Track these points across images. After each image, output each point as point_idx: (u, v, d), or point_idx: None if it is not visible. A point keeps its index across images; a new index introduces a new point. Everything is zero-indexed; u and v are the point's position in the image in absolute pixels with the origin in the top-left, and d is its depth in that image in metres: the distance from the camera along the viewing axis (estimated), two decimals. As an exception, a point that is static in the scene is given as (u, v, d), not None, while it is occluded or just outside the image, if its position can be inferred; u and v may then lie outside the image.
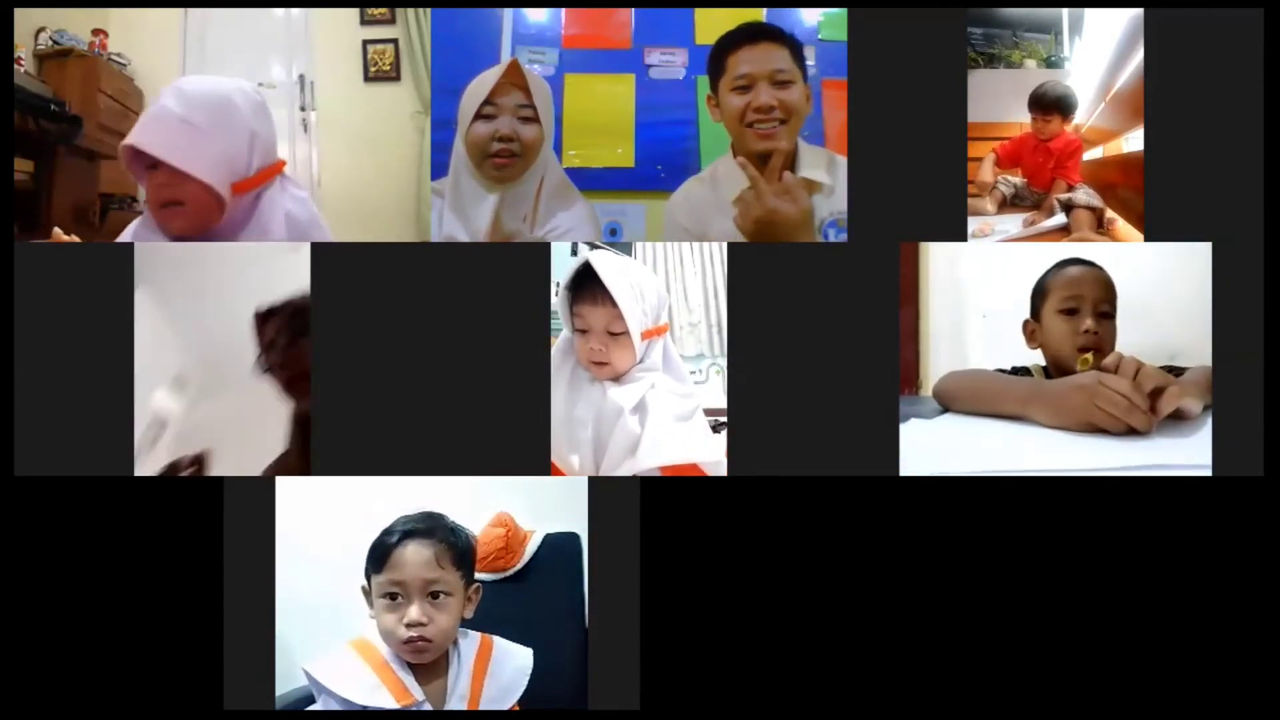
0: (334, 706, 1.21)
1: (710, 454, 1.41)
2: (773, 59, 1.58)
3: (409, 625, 1.20)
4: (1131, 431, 1.36)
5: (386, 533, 1.26)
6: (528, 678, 1.28)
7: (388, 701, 1.19)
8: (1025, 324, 1.68)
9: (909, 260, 1.60)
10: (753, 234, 1.56)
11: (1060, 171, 1.70)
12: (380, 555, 1.24)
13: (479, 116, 1.63)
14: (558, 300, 1.45)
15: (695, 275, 2.81)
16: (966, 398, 1.58)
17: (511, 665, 1.28)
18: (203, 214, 1.42)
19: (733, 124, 1.60)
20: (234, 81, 1.48)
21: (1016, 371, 1.65)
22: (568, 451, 1.43)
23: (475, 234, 1.62)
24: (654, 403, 1.40)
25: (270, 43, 2.61)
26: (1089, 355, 1.56)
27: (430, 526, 1.26)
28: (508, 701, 1.26)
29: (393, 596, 1.22)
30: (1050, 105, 1.69)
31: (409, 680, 1.22)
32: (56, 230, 1.52)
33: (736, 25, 1.64)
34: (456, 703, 1.23)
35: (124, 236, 1.50)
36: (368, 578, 1.26)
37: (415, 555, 1.22)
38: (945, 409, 1.61)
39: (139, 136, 1.39)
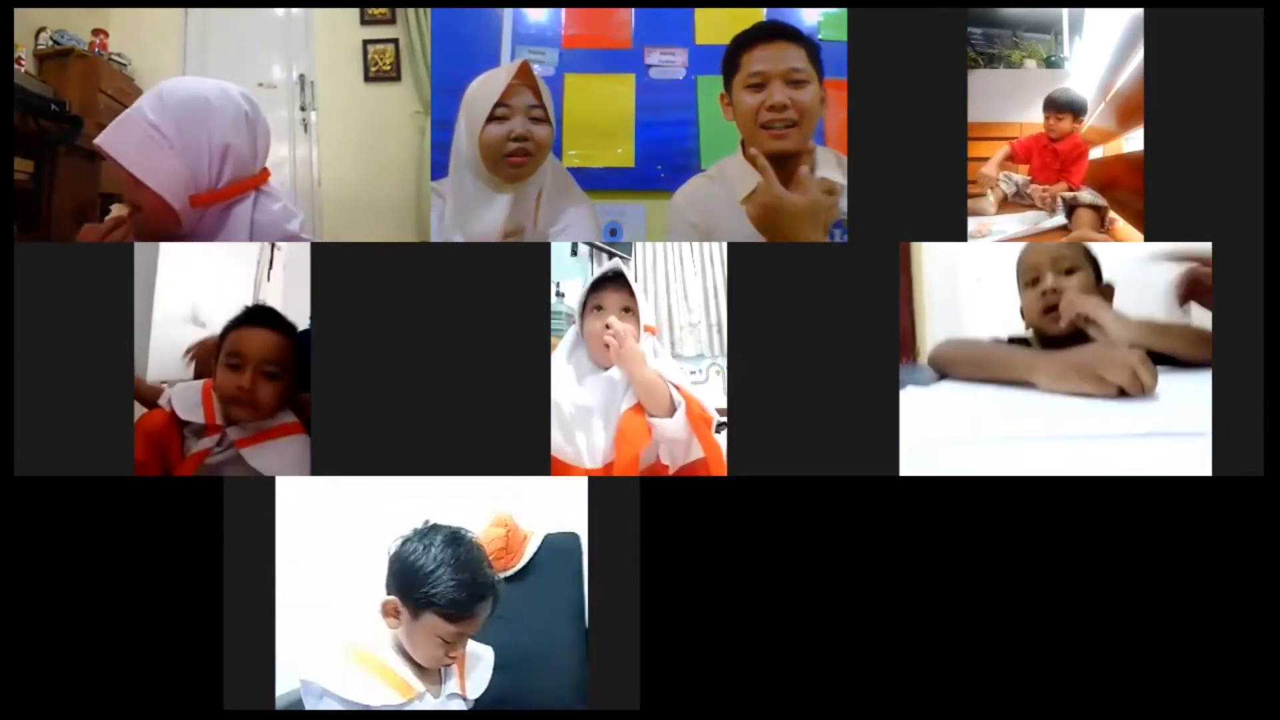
0: (338, 707, 1.26)
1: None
2: (788, 58, 1.56)
3: (450, 656, 1.30)
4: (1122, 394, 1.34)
5: (468, 591, 1.26)
6: (491, 670, 1.37)
7: (395, 699, 1.26)
8: (1020, 311, 1.68)
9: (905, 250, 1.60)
10: (759, 220, 1.56)
11: (1064, 175, 1.70)
12: (461, 613, 1.26)
13: (492, 119, 1.61)
14: (572, 295, 1.53)
15: (695, 275, 2.81)
16: (967, 363, 1.57)
17: (482, 661, 1.38)
18: (158, 222, 1.42)
19: (746, 123, 1.59)
20: (223, 87, 1.45)
21: (1014, 342, 1.64)
22: (575, 433, 1.47)
23: (486, 235, 1.61)
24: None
25: (270, 43, 2.61)
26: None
27: (494, 586, 1.30)
28: (479, 690, 1.35)
29: (450, 641, 1.28)
30: (1064, 105, 1.71)
31: (409, 677, 1.28)
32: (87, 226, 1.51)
33: (752, 24, 1.63)
34: (453, 687, 1.31)
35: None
36: (414, 608, 1.26)
37: (484, 613, 1.29)
38: (942, 375, 1.59)
39: (104, 137, 1.40)
